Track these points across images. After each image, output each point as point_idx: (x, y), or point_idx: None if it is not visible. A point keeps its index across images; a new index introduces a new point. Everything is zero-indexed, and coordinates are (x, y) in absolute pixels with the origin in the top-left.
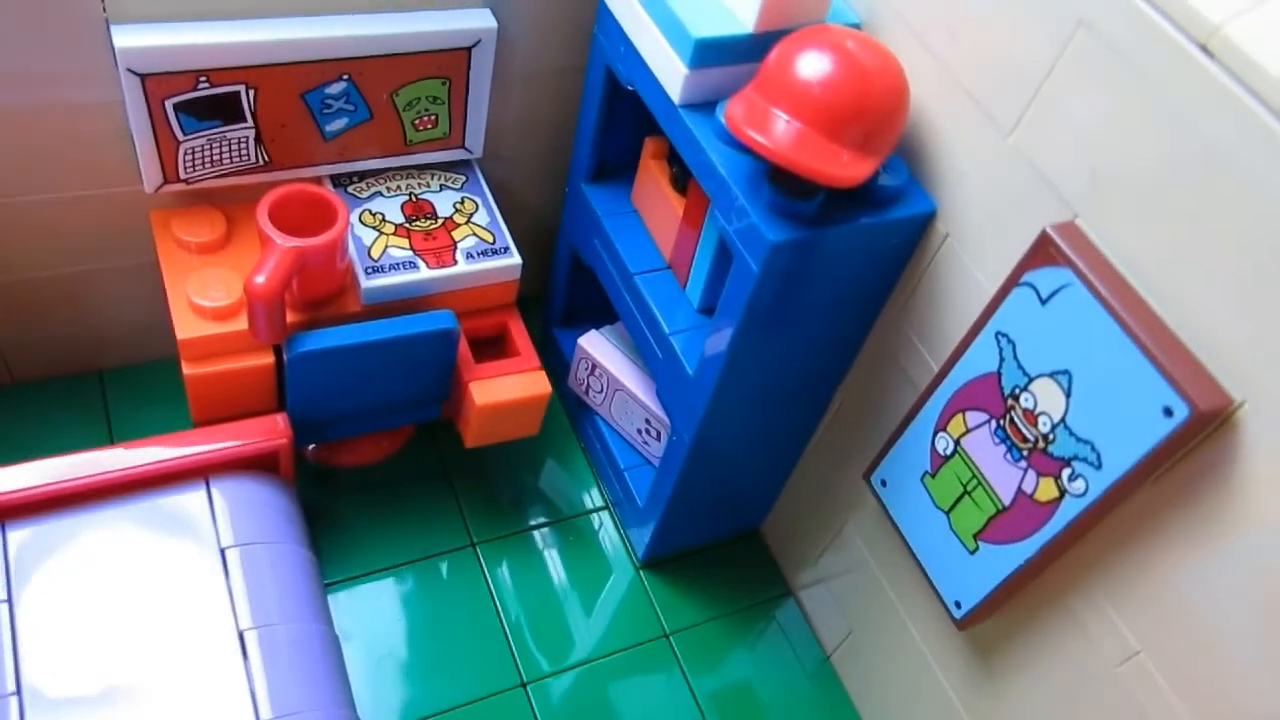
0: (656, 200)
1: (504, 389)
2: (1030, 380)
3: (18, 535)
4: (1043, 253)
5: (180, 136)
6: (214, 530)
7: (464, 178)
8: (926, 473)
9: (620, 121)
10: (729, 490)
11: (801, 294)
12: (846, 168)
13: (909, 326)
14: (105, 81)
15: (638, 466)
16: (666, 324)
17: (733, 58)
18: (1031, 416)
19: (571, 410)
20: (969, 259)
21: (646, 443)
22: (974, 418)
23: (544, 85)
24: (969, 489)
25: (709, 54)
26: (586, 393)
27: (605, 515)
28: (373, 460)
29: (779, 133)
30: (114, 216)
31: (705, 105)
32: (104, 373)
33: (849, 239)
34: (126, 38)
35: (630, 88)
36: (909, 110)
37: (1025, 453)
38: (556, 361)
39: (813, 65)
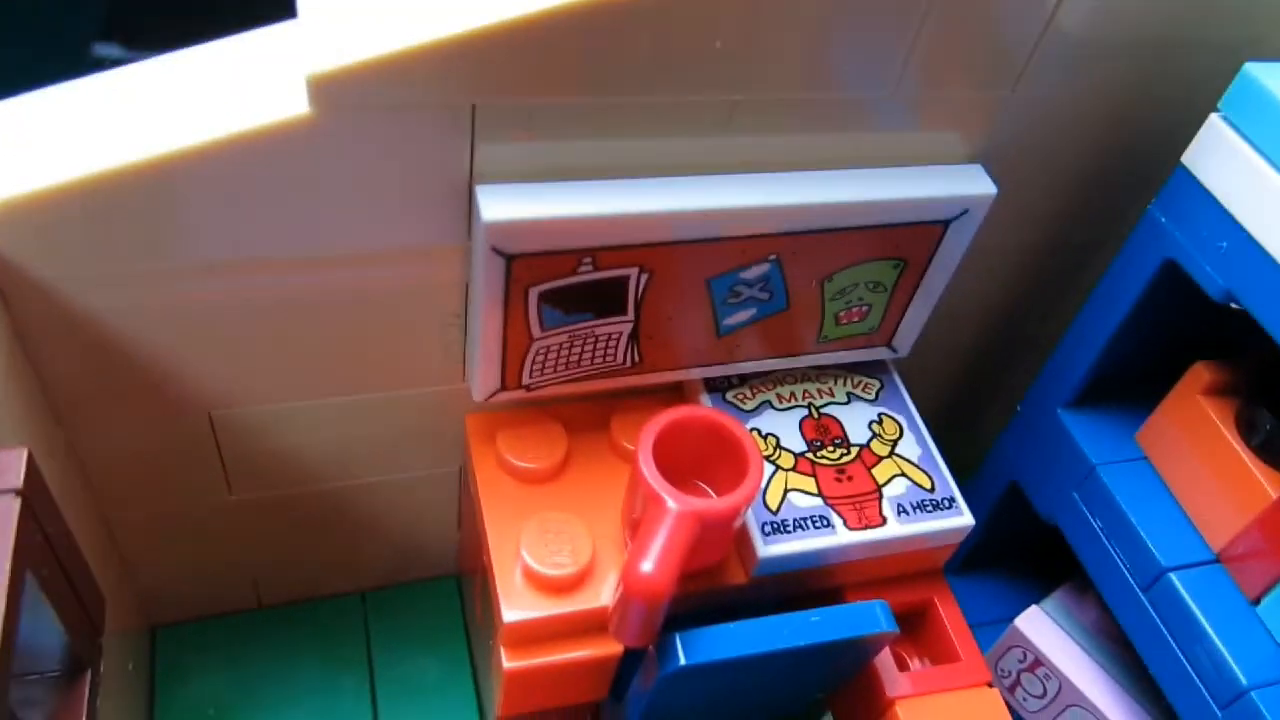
0: (1206, 457)
1: (943, 717)
2: None
3: None
4: None
5: (537, 333)
6: None
7: (878, 383)
8: None
9: (1142, 329)
10: None
11: None
12: None
13: None
14: (449, 259)
15: None
16: (1240, 668)
17: None
18: None
19: None
20: None
21: None
22: None
23: (1011, 262)
24: None
25: None
26: (1012, 690)
27: None
28: None
29: None
30: (419, 423)
31: None
32: (365, 593)
33: None
34: (497, 206)
35: (1231, 305)
36: None
37: None
38: None
39: None
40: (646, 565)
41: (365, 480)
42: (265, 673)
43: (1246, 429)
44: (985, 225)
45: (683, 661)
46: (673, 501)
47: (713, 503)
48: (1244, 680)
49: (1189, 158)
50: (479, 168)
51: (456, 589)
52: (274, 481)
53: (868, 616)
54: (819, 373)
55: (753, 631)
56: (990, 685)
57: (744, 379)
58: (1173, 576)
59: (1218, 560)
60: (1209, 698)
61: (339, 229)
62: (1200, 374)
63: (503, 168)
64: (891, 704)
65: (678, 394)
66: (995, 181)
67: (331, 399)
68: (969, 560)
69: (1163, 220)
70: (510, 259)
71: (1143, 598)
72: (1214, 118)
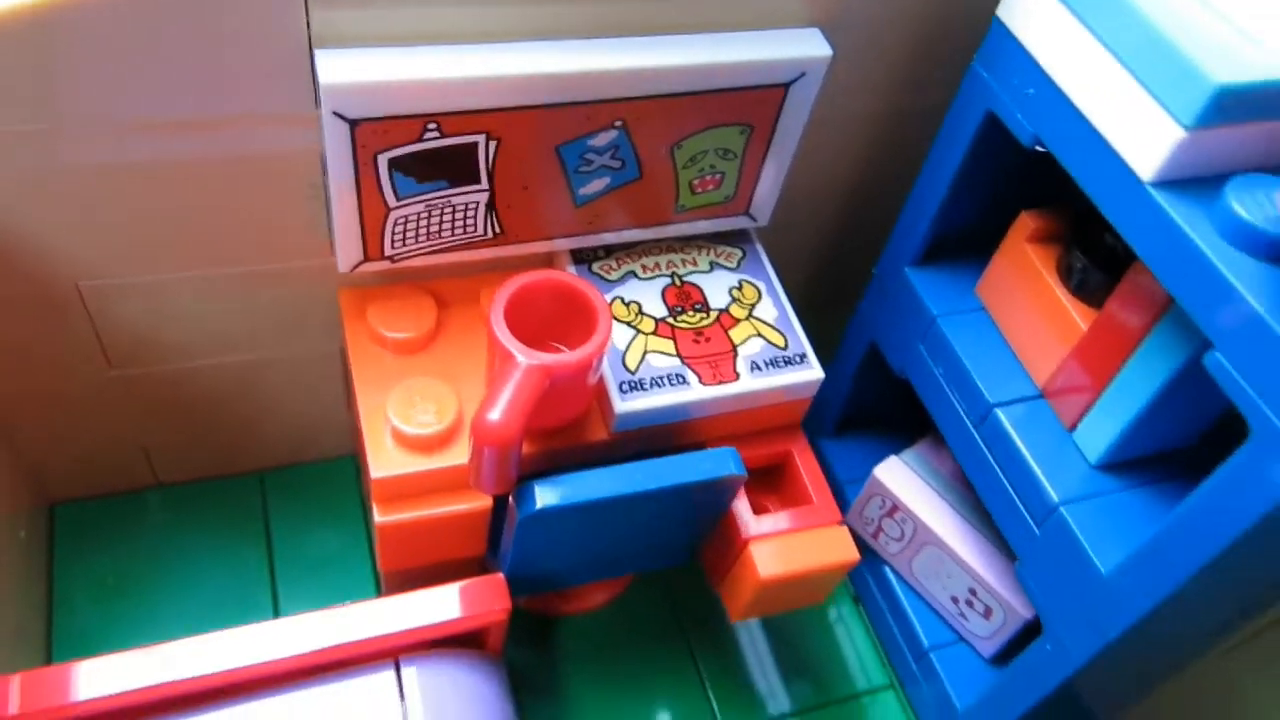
0: (1032, 301)
1: (795, 554)
2: None
3: None
4: None
5: (392, 202)
6: None
7: (740, 253)
8: None
9: (975, 185)
10: (1091, 705)
11: None
12: None
13: None
14: (298, 127)
15: (949, 645)
16: (1053, 487)
17: (1265, 112)
18: None
19: None
20: None
21: (964, 615)
22: None
23: (860, 131)
24: None
25: (1231, 107)
26: (875, 536)
27: (890, 697)
28: (591, 607)
29: None
30: (292, 298)
31: (1197, 182)
32: (264, 474)
33: None
34: (335, 69)
35: (1038, 148)
36: None
37: None
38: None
39: None
40: (494, 414)
41: (247, 357)
42: (164, 546)
43: (1065, 272)
44: (830, 93)
45: (539, 504)
46: (521, 356)
47: (559, 356)
48: (1055, 497)
49: (1002, 10)
50: (317, 31)
51: (354, 468)
52: (155, 356)
53: (717, 460)
54: (684, 244)
55: (608, 477)
56: (841, 524)
57: (610, 251)
58: (999, 412)
59: (1041, 396)
60: (1028, 516)
61: (188, 90)
62: (1026, 223)
63: (343, 32)
64: (746, 544)
65: (548, 266)
66: (832, 45)
67: (202, 271)
68: (844, 422)
69: (983, 74)
70: (354, 124)
71: (975, 434)
72: None
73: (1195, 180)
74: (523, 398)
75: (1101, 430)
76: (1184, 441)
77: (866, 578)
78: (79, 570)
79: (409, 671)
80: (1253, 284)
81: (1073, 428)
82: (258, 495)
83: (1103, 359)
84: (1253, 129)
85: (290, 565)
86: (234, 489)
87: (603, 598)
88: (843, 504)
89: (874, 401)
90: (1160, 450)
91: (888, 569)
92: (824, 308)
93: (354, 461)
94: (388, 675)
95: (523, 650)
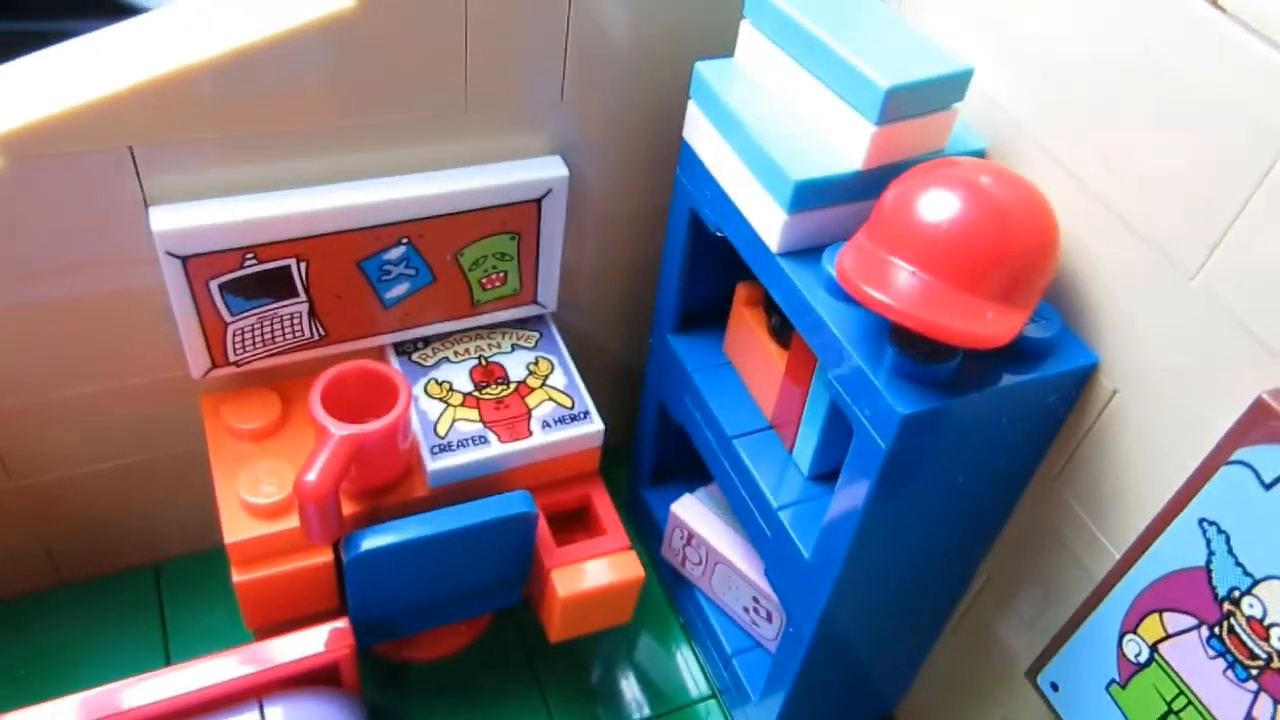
0: (754, 352)
1: (591, 575)
2: (1255, 583)
3: None
4: (1261, 425)
5: (228, 318)
6: None
7: (537, 334)
8: (1114, 681)
9: (708, 265)
10: (857, 677)
11: (938, 467)
12: (991, 325)
13: (1071, 496)
14: (145, 266)
15: (748, 650)
16: (774, 496)
17: (838, 198)
18: (1260, 628)
19: (667, 581)
20: (1148, 420)
21: (755, 623)
22: (1175, 621)
23: (620, 230)
24: (1176, 709)
25: (810, 196)
26: (683, 564)
27: (713, 706)
28: (448, 653)
29: (902, 287)
30: (161, 405)
31: (807, 252)
32: (159, 565)
33: (993, 403)
34: (165, 219)
35: (719, 234)
36: (1059, 251)
37: (1254, 672)
38: (648, 525)
39: (940, 205)
40: (310, 475)
41: (130, 460)
42: (69, 638)
43: (769, 327)
44: (576, 202)
45: (362, 548)
46: (333, 428)
47: (364, 426)
48: (775, 504)
49: (685, 133)
50: (151, 192)
51: None
52: (50, 465)
53: (512, 501)
54: (490, 330)
55: (422, 521)
56: (629, 549)
57: (428, 341)
58: (736, 443)
59: (770, 427)
60: (762, 523)
61: (46, 248)
62: (741, 292)
63: (174, 191)
64: (549, 571)
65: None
66: (570, 167)
67: (85, 388)
68: (659, 473)
69: (684, 181)
70: (185, 259)
71: (724, 461)
72: (690, 102)
73: (805, 250)
74: (335, 462)
75: (806, 447)
76: None
77: (685, 603)
78: None
79: (273, 710)
80: (839, 322)
81: (791, 449)
82: (153, 585)
83: (797, 391)
84: (835, 211)
85: (184, 646)
86: (132, 581)
87: (458, 643)
88: (660, 541)
89: (679, 451)
90: None
91: (697, 591)
92: (634, 375)
93: None
94: (252, 715)
95: (386, 694)
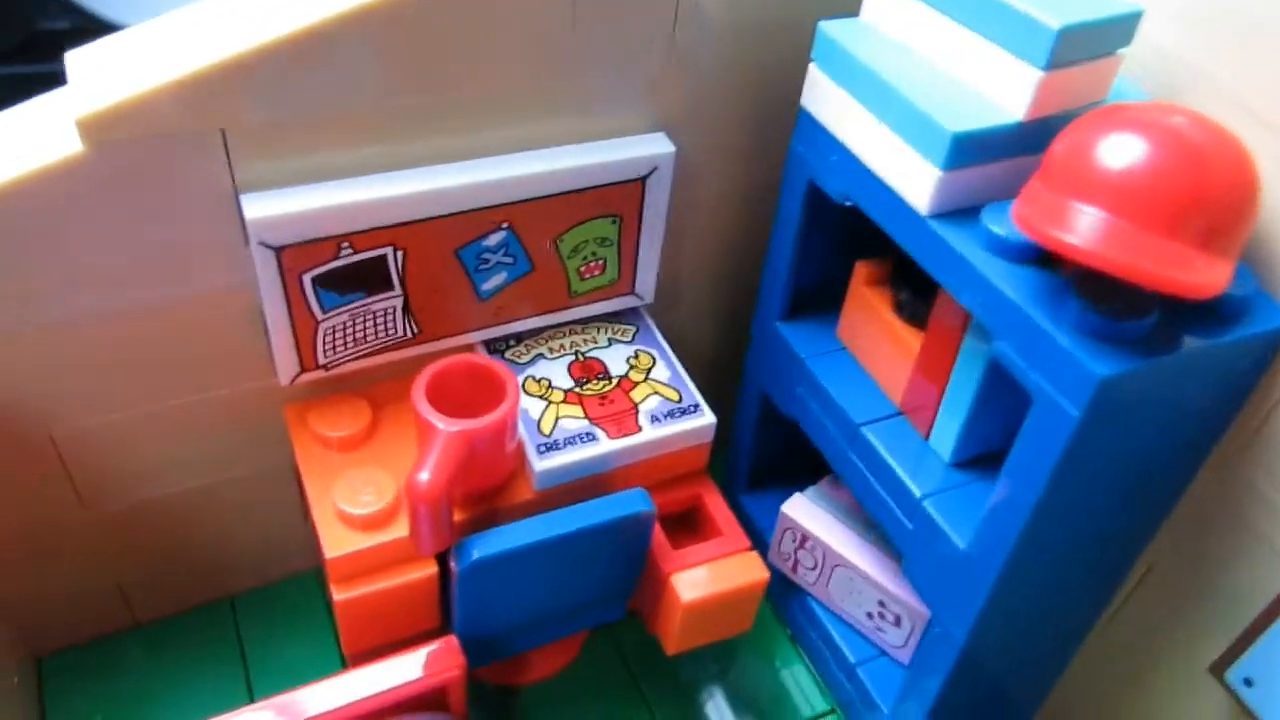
0: (878, 333)
1: (713, 579)
2: None
3: None
4: None
5: (319, 315)
6: None
7: (633, 328)
8: None
9: (819, 246)
10: (999, 687)
11: (1126, 440)
12: (1201, 273)
13: (1259, 475)
14: (233, 262)
15: (872, 659)
16: (916, 485)
17: (996, 153)
18: None
19: (772, 589)
20: None
21: (881, 629)
22: None
23: (723, 213)
24: None
25: (968, 151)
26: (795, 569)
27: None
28: (552, 673)
29: (1098, 232)
30: (244, 417)
31: (961, 212)
32: (234, 598)
33: (1187, 365)
34: (258, 206)
35: (847, 203)
36: (1260, 198)
37: None
38: (748, 534)
39: (1129, 145)
40: (422, 475)
41: (208, 480)
42: (147, 683)
43: (897, 305)
44: (682, 182)
45: (474, 556)
46: (441, 424)
47: (474, 421)
48: (918, 493)
49: (804, 99)
50: (241, 179)
51: (318, 581)
52: (123, 491)
53: (629, 500)
54: (584, 326)
55: (534, 525)
56: (750, 550)
57: (520, 339)
58: (865, 430)
59: (900, 413)
60: (900, 514)
61: (126, 246)
62: (860, 271)
63: (265, 177)
64: (667, 576)
65: None
66: (676, 144)
67: (162, 403)
68: (756, 477)
69: (801, 150)
70: (279, 250)
71: (850, 453)
72: (811, 65)
73: (959, 211)
74: (446, 459)
75: (947, 432)
76: None
77: (795, 612)
78: (70, 717)
79: None
80: (1008, 281)
81: (927, 435)
82: (230, 620)
83: (935, 372)
84: (991, 169)
85: (266, 682)
86: (207, 617)
87: (557, 664)
88: (762, 548)
89: (779, 452)
90: (1005, 443)
91: (810, 599)
92: (727, 370)
93: (318, 575)
94: None
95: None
